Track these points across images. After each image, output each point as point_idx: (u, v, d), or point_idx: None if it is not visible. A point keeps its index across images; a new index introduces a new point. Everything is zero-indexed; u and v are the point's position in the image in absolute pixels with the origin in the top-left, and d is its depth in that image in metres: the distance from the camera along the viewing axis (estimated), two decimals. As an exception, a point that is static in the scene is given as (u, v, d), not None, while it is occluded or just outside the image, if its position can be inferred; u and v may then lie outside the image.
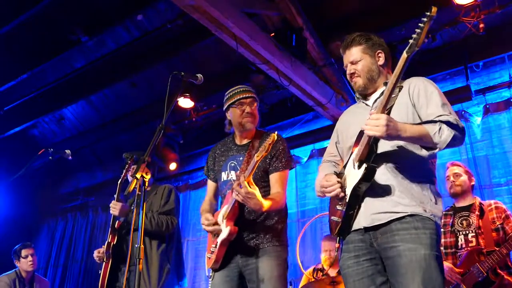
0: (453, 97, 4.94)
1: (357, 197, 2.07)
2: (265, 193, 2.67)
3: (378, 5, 4.94)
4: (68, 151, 3.95)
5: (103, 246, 3.51)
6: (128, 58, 6.10)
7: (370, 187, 2.03)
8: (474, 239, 3.38)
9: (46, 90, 6.59)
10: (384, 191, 2.04)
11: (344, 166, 2.23)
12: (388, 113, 2.07)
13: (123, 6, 5.31)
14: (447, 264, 3.36)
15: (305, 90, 5.13)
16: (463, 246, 3.44)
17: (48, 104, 7.10)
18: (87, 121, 7.66)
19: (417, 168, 2.08)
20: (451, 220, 3.54)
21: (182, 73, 2.59)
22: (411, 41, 1.78)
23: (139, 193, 2.51)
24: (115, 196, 3.52)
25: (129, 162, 3.56)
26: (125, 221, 3.58)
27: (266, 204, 2.50)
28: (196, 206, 6.90)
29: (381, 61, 2.28)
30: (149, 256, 3.45)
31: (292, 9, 4.73)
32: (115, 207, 3.46)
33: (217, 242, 2.59)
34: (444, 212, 3.63)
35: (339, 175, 2.19)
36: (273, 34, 4.69)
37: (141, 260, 2.24)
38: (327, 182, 2.16)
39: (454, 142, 1.97)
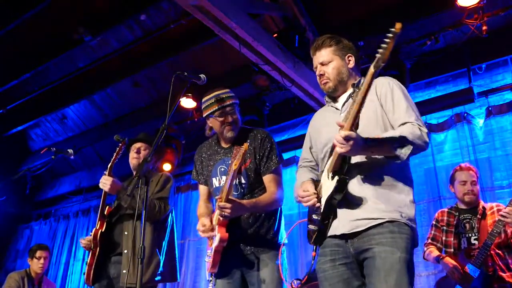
0: (456, 99, 4.94)
1: (332, 207, 2.07)
2: (261, 193, 2.69)
3: (380, 6, 4.94)
4: (70, 150, 3.90)
5: (90, 233, 3.37)
6: (131, 58, 6.12)
7: (345, 197, 2.03)
8: (476, 242, 3.40)
9: (49, 89, 6.61)
10: (359, 199, 2.04)
11: (322, 172, 2.23)
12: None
13: (127, 6, 5.33)
14: (451, 262, 3.36)
15: (308, 91, 5.13)
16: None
17: (50, 103, 7.13)
18: (89, 120, 7.68)
19: (392, 175, 2.08)
20: (455, 221, 3.54)
21: (186, 73, 2.59)
22: (377, 55, 1.74)
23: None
24: (106, 172, 3.38)
25: (120, 144, 3.47)
26: (116, 207, 3.46)
27: (254, 206, 2.56)
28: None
29: (351, 64, 2.29)
30: (138, 246, 3.33)
31: (295, 10, 4.73)
32: (105, 182, 3.28)
33: (211, 248, 2.60)
34: (447, 210, 3.67)
35: (317, 182, 2.20)
36: (276, 35, 4.69)
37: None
38: (303, 192, 2.17)
39: (416, 152, 1.97)
